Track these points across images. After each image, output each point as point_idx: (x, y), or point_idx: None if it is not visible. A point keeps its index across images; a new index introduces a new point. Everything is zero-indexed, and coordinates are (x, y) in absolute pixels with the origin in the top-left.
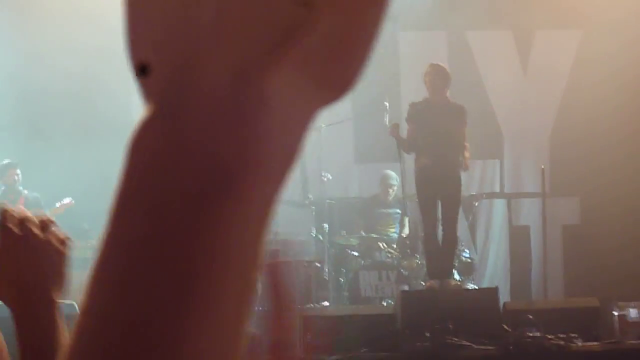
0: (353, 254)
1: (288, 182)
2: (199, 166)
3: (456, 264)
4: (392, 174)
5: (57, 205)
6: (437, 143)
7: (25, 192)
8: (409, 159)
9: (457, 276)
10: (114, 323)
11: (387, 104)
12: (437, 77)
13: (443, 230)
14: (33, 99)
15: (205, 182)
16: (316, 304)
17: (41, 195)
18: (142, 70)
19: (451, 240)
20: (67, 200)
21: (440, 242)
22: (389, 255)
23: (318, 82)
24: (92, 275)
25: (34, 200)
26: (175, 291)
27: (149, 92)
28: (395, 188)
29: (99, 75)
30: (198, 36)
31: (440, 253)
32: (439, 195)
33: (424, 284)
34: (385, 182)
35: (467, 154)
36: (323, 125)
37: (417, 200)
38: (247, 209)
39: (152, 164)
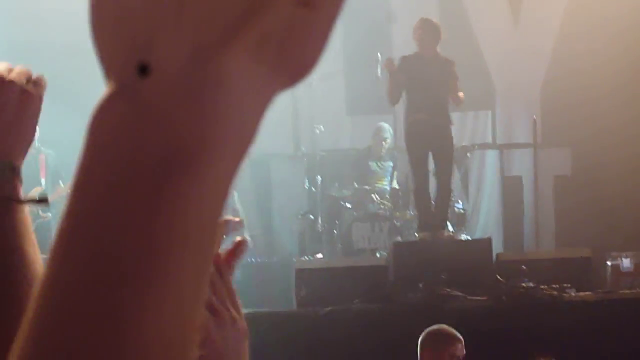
0: (346, 206)
1: (244, 162)
2: (156, 143)
3: (449, 215)
4: (386, 126)
5: None
6: (427, 97)
7: (47, 151)
8: (401, 110)
9: (450, 227)
10: (75, 295)
11: (380, 55)
12: (427, 32)
13: (437, 182)
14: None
15: (162, 159)
16: (310, 256)
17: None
18: (142, 70)
19: (445, 193)
20: None
21: (431, 195)
22: (382, 207)
23: (275, 66)
24: (54, 247)
25: (53, 161)
26: (135, 265)
27: (110, 69)
28: (388, 141)
29: None
30: (158, 15)
31: (434, 205)
32: (431, 148)
33: (417, 235)
34: (378, 135)
35: (460, 94)
36: (315, 78)
37: (407, 153)
38: (204, 186)
39: (111, 141)
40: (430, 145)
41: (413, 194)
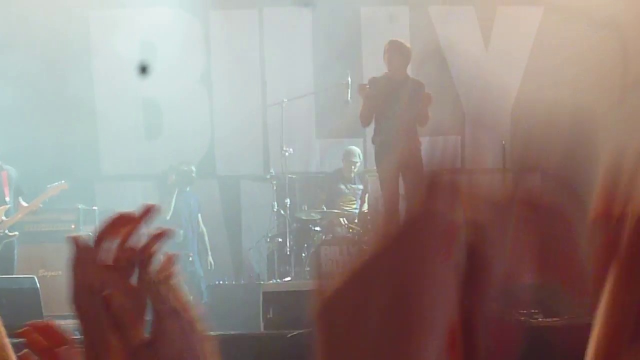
0: (315, 229)
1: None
2: None
3: None
4: (356, 150)
5: (50, 187)
6: (395, 119)
7: (7, 167)
8: (370, 133)
9: None
10: None
11: (350, 80)
12: (396, 54)
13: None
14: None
15: None
16: (278, 279)
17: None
18: (142, 70)
19: None
20: (59, 183)
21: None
22: (351, 230)
23: None
24: None
25: (15, 177)
26: None
27: None
28: (358, 164)
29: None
30: None
31: None
32: (400, 170)
33: None
34: (348, 158)
35: (426, 114)
36: (285, 100)
37: (377, 175)
38: None
39: None
40: (399, 168)
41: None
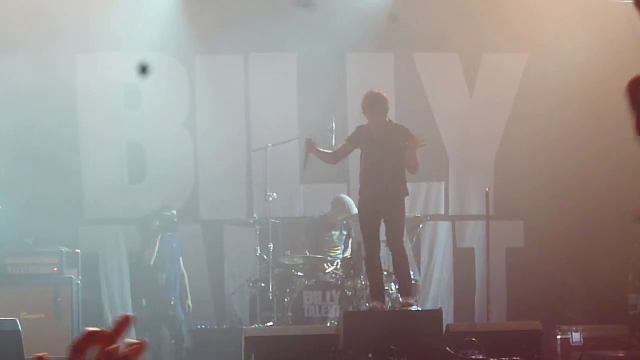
0: (297, 274)
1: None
2: None
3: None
4: (349, 200)
5: None
6: (380, 168)
7: None
8: (356, 178)
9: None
10: None
11: (334, 125)
12: (373, 104)
13: (392, 251)
14: None
15: None
16: (260, 324)
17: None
18: (143, 70)
19: (402, 260)
20: None
21: (380, 264)
22: (333, 275)
23: None
24: None
25: None
26: None
27: None
28: (346, 213)
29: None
30: None
31: (395, 274)
32: (383, 218)
33: (367, 305)
34: (338, 206)
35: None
36: (269, 145)
37: (359, 223)
38: None
39: None
40: (382, 214)
41: (364, 263)
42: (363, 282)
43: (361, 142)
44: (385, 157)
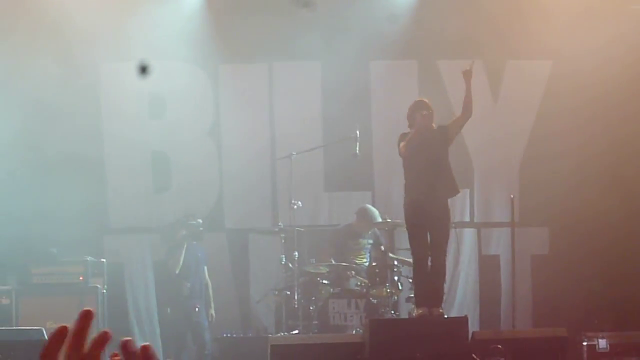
0: (323, 282)
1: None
2: None
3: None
4: (375, 212)
5: None
6: (426, 174)
7: None
8: (381, 186)
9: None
10: None
11: (358, 133)
12: (421, 112)
13: (432, 259)
14: None
15: None
16: (286, 332)
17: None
18: (143, 70)
19: (441, 269)
20: None
21: (428, 269)
22: (359, 284)
23: None
24: None
25: None
26: None
27: None
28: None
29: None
30: None
31: (431, 281)
32: (429, 226)
33: (393, 312)
34: (365, 217)
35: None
36: (294, 153)
37: (406, 230)
38: None
39: None
40: (429, 221)
41: (413, 272)
42: (388, 290)
43: (407, 149)
44: (432, 160)
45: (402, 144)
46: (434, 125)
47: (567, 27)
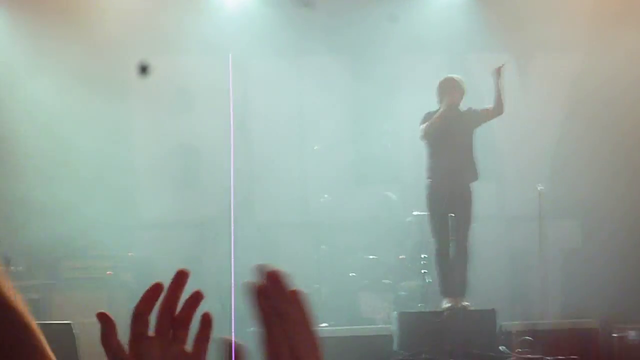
0: (352, 275)
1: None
2: None
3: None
4: (394, 201)
5: None
6: (449, 157)
7: None
8: (409, 180)
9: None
10: None
11: (388, 126)
12: (450, 91)
13: (454, 245)
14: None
15: None
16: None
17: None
18: (143, 70)
19: (463, 256)
20: None
21: (449, 258)
22: (388, 276)
23: None
24: None
25: None
26: None
27: None
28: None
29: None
30: None
31: (453, 269)
32: (452, 212)
33: (422, 305)
34: (388, 205)
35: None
36: (324, 146)
37: (428, 218)
38: None
39: None
40: (451, 207)
41: (435, 260)
42: (417, 283)
43: (430, 130)
44: (456, 143)
45: (424, 125)
46: (461, 107)
47: (597, 18)
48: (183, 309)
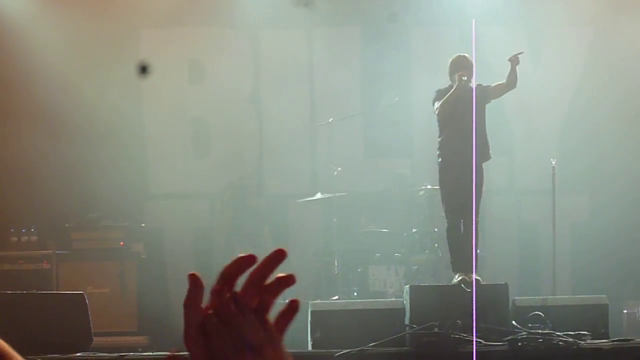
0: (362, 249)
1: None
2: None
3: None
4: (405, 178)
5: None
6: (461, 136)
7: None
8: (420, 154)
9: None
10: None
11: (397, 99)
12: (461, 69)
13: (464, 222)
14: None
15: None
16: (325, 299)
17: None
18: (143, 69)
19: (472, 233)
20: None
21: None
22: (399, 250)
23: None
24: None
25: None
26: None
27: None
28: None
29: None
30: None
31: (464, 245)
32: (462, 187)
33: (433, 279)
34: (400, 183)
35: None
36: (334, 119)
37: (440, 192)
38: None
39: None
40: (462, 183)
41: (446, 235)
42: (428, 257)
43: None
44: (469, 119)
45: (437, 103)
46: (472, 84)
47: None
48: (273, 282)
